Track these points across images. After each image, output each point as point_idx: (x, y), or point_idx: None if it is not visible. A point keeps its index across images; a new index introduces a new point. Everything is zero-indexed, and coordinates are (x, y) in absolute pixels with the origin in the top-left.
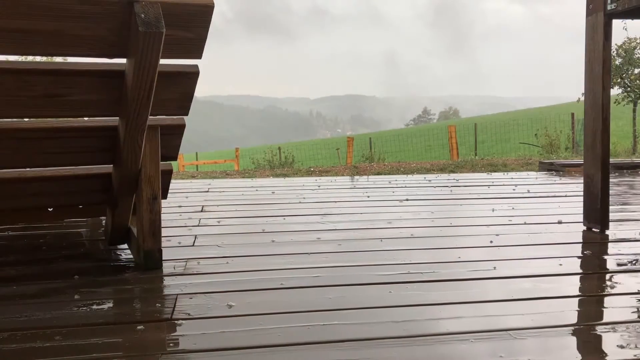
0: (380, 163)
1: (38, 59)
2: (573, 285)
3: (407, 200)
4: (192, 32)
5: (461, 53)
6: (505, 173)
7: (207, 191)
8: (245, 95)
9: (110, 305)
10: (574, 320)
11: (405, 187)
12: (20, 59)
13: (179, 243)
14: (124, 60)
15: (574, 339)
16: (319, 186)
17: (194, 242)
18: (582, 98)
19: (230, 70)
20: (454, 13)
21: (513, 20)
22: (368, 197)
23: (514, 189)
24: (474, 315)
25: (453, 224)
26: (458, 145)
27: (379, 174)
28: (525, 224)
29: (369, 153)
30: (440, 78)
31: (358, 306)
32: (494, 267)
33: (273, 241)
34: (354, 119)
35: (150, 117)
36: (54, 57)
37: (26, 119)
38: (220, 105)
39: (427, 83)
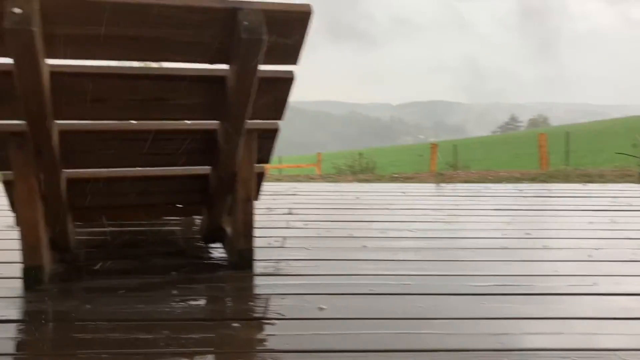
0: (466, 171)
1: (136, 64)
2: None
3: (497, 210)
4: (290, 39)
5: (549, 58)
6: (602, 184)
7: (294, 194)
8: (328, 101)
9: (206, 301)
10: None
11: (495, 196)
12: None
13: (269, 244)
14: (224, 66)
15: None
16: (404, 193)
17: (283, 244)
18: None
19: (313, 77)
20: (539, 18)
21: (602, 24)
22: (457, 205)
23: (612, 202)
24: (573, 332)
25: (548, 236)
26: (548, 155)
27: (466, 182)
28: (627, 238)
29: (453, 160)
30: (527, 84)
31: (450, 316)
32: (594, 283)
33: (364, 246)
34: (437, 125)
35: (247, 121)
36: (151, 63)
37: (133, 121)
38: (303, 111)
39: (513, 89)
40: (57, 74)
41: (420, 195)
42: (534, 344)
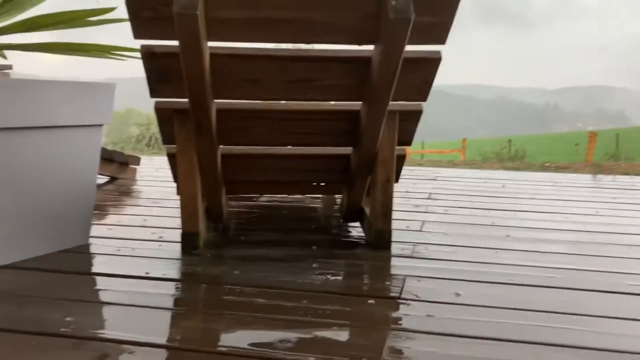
0: (629, 163)
1: (283, 46)
2: None
3: None
4: (438, 18)
5: None
6: None
7: (434, 179)
8: (475, 84)
9: (343, 276)
10: None
11: None
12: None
13: (407, 227)
14: (370, 47)
15: None
16: (555, 183)
17: (421, 228)
18: None
19: (460, 59)
20: None
21: None
22: (614, 198)
23: None
24: None
25: None
26: None
27: (627, 174)
28: None
29: (614, 151)
30: None
31: (597, 314)
32: None
33: (508, 236)
34: (598, 112)
35: (390, 102)
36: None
37: (282, 102)
38: (448, 95)
39: None
40: (216, 56)
41: (573, 187)
42: None
